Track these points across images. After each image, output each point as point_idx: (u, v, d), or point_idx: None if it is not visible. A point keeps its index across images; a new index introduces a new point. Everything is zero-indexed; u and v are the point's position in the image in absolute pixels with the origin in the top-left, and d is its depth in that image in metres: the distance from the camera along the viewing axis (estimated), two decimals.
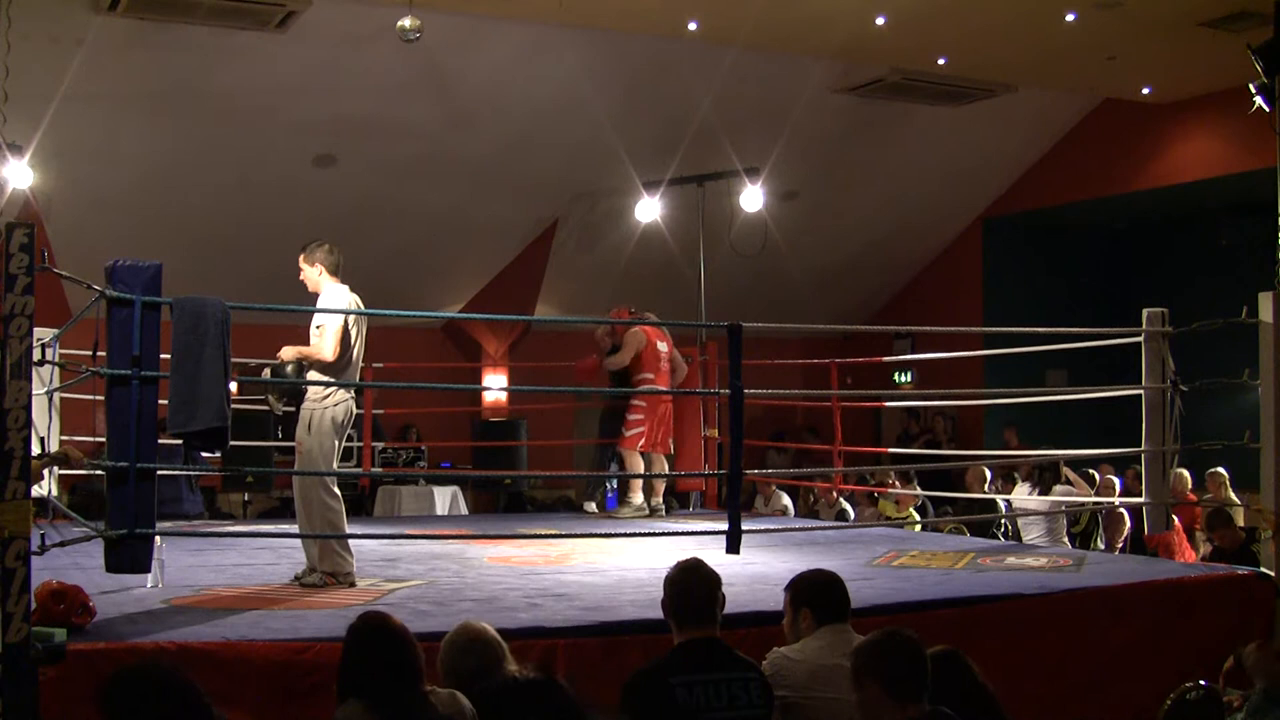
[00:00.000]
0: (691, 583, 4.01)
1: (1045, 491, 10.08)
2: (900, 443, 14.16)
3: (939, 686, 3.52)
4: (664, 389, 9.42)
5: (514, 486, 12.96)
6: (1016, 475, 10.85)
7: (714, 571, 4.06)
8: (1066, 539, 9.84)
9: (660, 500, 9.79)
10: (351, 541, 7.23)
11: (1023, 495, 10.19)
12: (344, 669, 3.50)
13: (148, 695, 3.06)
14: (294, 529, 6.08)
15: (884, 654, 3.53)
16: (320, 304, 6.11)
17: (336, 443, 5.93)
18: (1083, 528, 10.13)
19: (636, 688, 3.84)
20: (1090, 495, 9.78)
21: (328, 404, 5.91)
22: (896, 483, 11.10)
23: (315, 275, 6.22)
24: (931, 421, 14.58)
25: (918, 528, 9.95)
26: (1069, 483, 10.06)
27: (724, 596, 4.05)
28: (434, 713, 3.43)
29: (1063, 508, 9.62)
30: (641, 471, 9.44)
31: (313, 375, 5.95)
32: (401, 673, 3.44)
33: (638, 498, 9.56)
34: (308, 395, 5.96)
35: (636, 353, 9.49)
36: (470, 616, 3.97)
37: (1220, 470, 9.98)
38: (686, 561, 4.11)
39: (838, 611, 4.22)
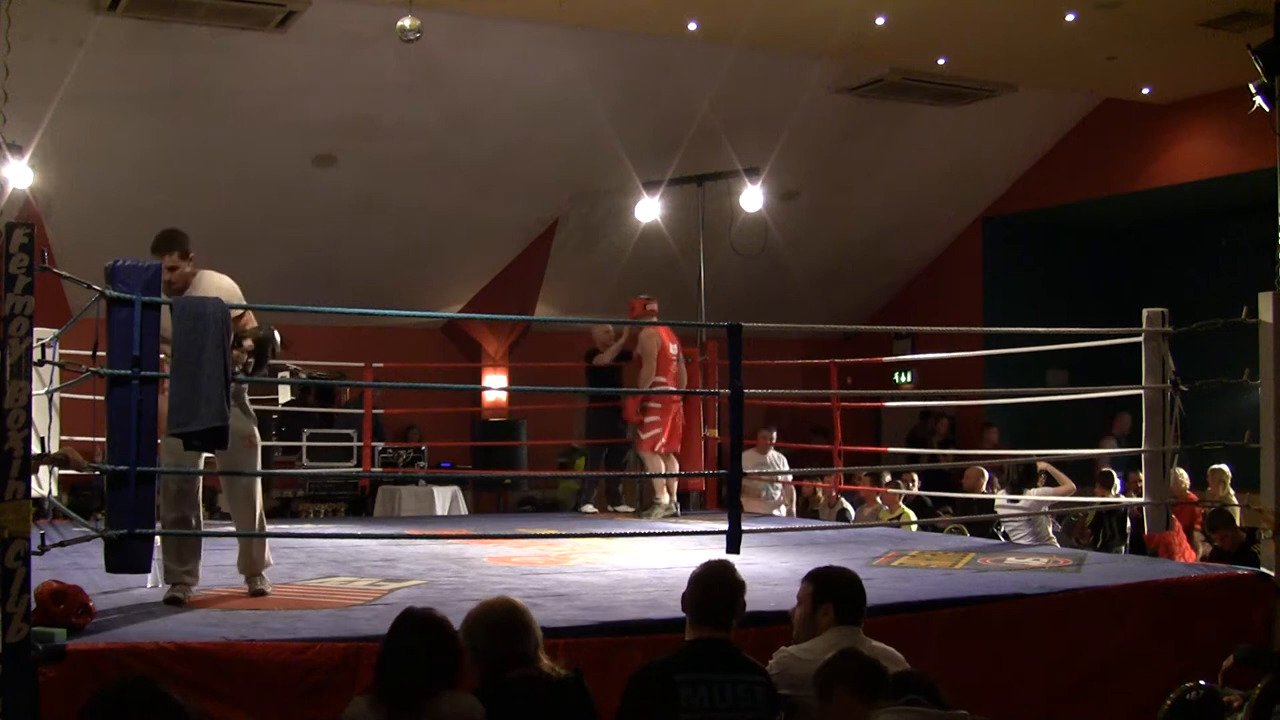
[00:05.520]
0: (714, 583, 4.04)
1: (1017, 494, 10.12)
2: (910, 442, 14.11)
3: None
4: (675, 389, 9.48)
5: (513, 486, 12.99)
6: (996, 480, 10.88)
7: (741, 578, 4.08)
8: (1054, 539, 9.85)
9: (674, 500, 9.84)
10: (353, 541, 7.26)
11: (1003, 499, 10.23)
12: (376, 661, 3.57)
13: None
14: (297, 529, 6.07)
15: (846, 660, 3.62)
16: (219, 292, 5.52)
17: None
18: (1102, 540, 10.17)
19: (641, 681, 3.85)
20: (1071, 489, 9.78)
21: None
22: (902, 482, 11.11)
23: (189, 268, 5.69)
24: (936, 423, 14.55)
25: (914, 527, 9.96)
26: (1051, 482, 10.06)
27: (744, 603, 4.06)
28: (440, 712, 3.39)
29: (1046, 508, 9.63)
30: (663, 471, 9.48)
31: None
32: (413, 670, 3.43)
33: (665, 497, 9.57)
34: (250, 392, 5.85)
35: (656, 355, 9.55)
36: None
37: (1222, 467, 9.97)
38: (716, 561, 4.15)
39: (857, 613, 4.22)
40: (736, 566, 4.15)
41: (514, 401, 13.86)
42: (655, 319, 9.60)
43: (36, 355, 4.35)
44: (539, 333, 14.69)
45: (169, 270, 5.39)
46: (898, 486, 11.02)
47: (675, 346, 9.75)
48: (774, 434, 11.16)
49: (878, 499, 10.83)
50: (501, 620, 3.71)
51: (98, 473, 4.98)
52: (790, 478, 11.27)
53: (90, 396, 5.84)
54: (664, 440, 9.55)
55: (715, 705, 3.78)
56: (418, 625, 3.55)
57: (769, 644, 4.35)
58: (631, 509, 10.28)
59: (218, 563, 6.60)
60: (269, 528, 6.25)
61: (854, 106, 12.43)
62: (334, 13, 9.62)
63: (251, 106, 10.68)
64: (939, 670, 3.87)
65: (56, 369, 5.68)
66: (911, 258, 15.83)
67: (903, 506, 10.54)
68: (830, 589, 4.26)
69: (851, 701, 3.47)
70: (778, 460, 11.13)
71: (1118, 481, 10.12)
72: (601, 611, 5.11)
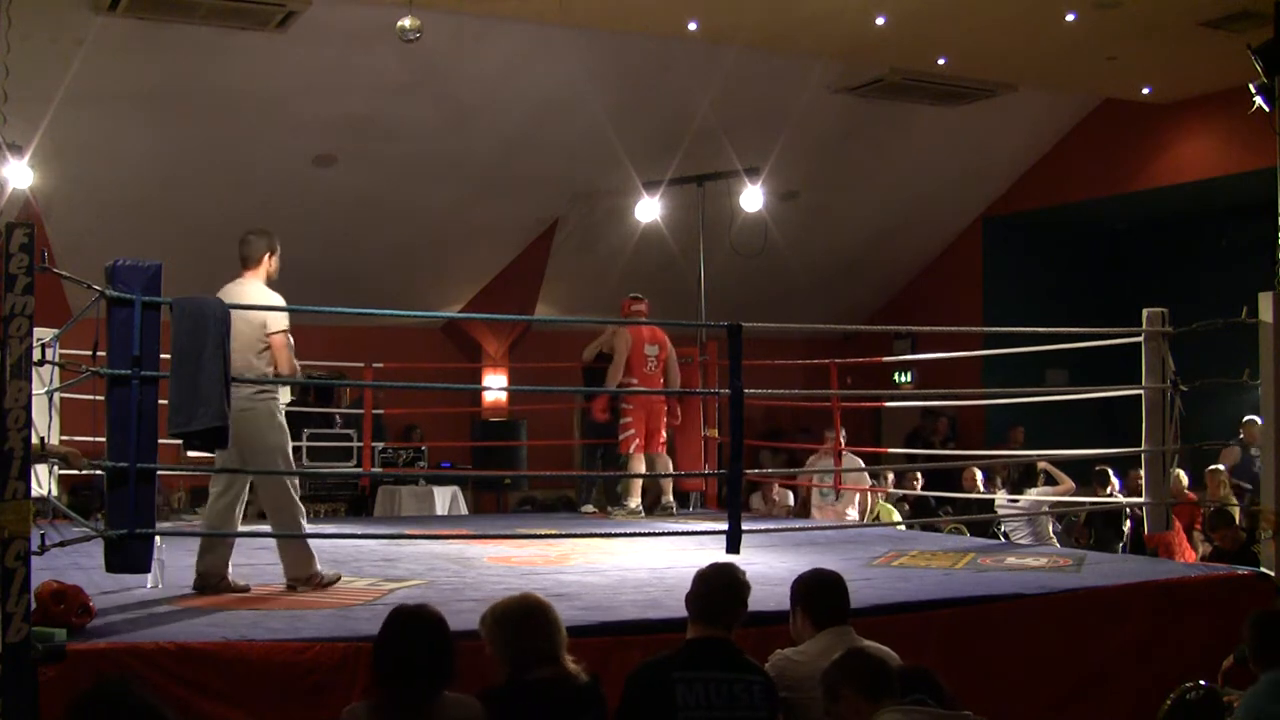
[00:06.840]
0: (718, 583, 4.06)
1: (1018, 494, 10.10)
2: (909, 442, 14.11)
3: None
4: (649, 390, 9.44)
5: (513, 486, 12.98)
6: (998, 479, 10.82)
7: (746, 580, 4.10)
8: (1055, 539, 9.85)
9: (670, 498, 9.81)
10: (353, 541, 7.26)
11: (1003, 499, 10.22)
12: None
13: None
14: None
15: (852, 661, 3.64)
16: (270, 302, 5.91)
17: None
18: (1093, 538, 10.15)
19: (639, 679, 3.86)
20: (1071, 489, 9.77)
21: (269, 397, 5.86)
22: (907, 481, 11.07)
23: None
24: (935, 423, 14.54)
25: (900, 526, 9.94)
26: (1050, 482, 10.05)
27: (747, 604, 4.07)
28: (441, 717, 3.36)
29: (1045, 508, 9.62)
30: (642, 472, 9.46)
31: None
32: (409, 671, 3.39)
33: (633, 501, 9.56)
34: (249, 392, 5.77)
35: (626, 356, 9.51)
36: (479, 613, 3.88)
37: (1220, 467, 9.98)
38: (723, 564, 4.16)
39: (836, 614, 4.22)
40: (737, 564, 4.16)
41: (514, 401, 13.86)
42: (640, 319, 9.56)
43: (36, 355, 4.35)
44: (539, 333, 14.69)
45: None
46: (871, 484, 10.93)
47: (655, 348, 9.66)
48: (842, 435, 10.23)
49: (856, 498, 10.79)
50: (531, 616, 3.68)
51: (99, 471, 4.98)
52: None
53: (90, 396, 5.84)
54: (639, 441, 9.52)
55: (712, 704, 3.78)
56: (410, 626, 3.51)
57: (769, 644, 4.36)
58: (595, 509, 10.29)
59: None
60: (251, 528, 6.30)
61: (854, 106, 12.43)
62: (334, 13, 9.62)
63: (251, 106, 10.68)
64: (939, 671, 3.87)
65: (56, 369, 5.68)
66: (911, 258, 15.83)
67: (882, 503, 10.47)
68: (799, 594, 4.30)
69: (857, 701, 3.49)
70: (852, 464, 10.89)
71: (1115, 480, 10.12)
72: (601, 611, 5.11)
